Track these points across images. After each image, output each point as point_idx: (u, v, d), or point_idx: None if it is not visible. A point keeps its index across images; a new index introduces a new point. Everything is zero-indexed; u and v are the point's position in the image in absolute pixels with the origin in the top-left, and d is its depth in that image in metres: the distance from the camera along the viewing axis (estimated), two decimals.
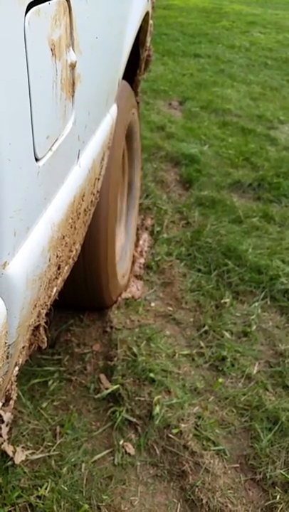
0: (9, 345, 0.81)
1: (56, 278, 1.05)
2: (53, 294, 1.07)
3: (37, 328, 1.00)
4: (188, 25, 7.53)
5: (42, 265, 0.89)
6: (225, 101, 4.55)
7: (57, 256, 0.99)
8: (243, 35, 7.13)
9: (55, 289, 1.08)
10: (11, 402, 0.97)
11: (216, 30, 7.31)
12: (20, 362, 0.95)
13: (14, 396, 0.96)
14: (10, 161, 0.71)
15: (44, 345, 1.04)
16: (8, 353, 0.81)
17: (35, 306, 0.92)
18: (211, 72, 5.42)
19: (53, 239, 0.93)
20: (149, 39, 2.38)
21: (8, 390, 0.94)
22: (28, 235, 0.83)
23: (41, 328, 1.01)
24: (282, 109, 4.49)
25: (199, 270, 2.39)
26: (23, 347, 0.94)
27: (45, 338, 1.04)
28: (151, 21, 2.37)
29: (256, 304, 2.21)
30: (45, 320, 1.02)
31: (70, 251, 1.16)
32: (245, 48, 6.45)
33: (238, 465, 1.58)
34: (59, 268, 1.05)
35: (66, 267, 1.16)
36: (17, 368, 0.95)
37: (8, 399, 0.96)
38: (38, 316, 0.97)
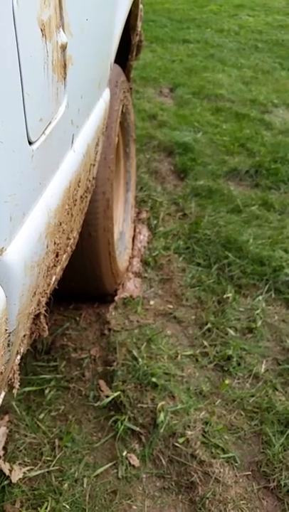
0: (10, 332, 0.81)
1: (55, 266, 1.05)
2: (52, 282, 1.07)
3: (37, 316, 1.01)
4: (175, 10, 7.35)
5: (40, 252, 0.89)
6: (217, 86, 4.41)
7: (55, 243, 0.99)
8: (231, 19, 6.95)
9: (54, 277, 1.09)
10: (14, 391, 0.98)
11: (204, 15, 7.13)
12: (22, 351, 0.95)
13: (17, 385, 0.97)
14: (2, 144, 0.70)
15: (45, 334, 1.05)
16: (9, 340, 0.81)
17: (35, 293, 0.92)
18: (201, 58, 5.27)
19: (49, 225, 0.93)
20: (139, 24, 2.28)
21: (10, 379, 0.95)
22: (25, 220, 0.82)
23: (42, 317, 1.03)
24: (276, 92, 4.35)
25: (199, 264, 2.28)
26: (24, 335, 0.94)
27: (46, 327, 1.05)
28: (141, 6, 2.28)
29: (260, 297, 2.11)
30: (45, 308, 1.03)
31: (68, 238, 1.16)
32: (234, 32, 6.29)
33: (249, 473, 1.49)
34: (57, 255, 1.05)
35: (64, 255, 1.16)
36: (19, 357, 0.96)
37: (11, 388, 0.97)
38: (38, 304, 0.97)
